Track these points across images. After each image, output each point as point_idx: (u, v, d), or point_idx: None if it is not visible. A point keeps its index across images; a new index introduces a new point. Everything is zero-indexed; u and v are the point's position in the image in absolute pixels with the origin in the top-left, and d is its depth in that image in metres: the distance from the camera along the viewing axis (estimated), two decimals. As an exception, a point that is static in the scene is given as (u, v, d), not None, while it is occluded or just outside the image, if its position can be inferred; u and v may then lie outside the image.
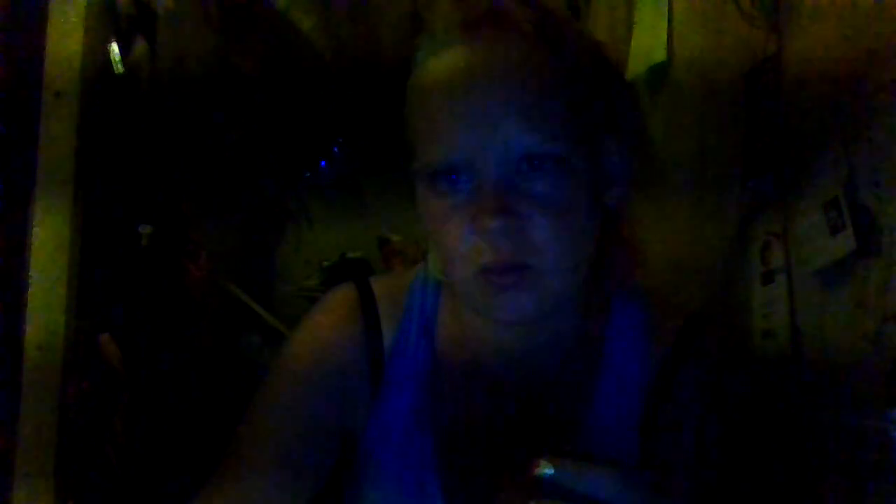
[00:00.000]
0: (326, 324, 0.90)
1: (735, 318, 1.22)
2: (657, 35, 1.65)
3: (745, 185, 1.22)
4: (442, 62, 0.75)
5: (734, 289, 1.25)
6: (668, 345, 0.85)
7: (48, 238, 1.38)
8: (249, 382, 0.91)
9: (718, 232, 1.36)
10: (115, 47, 1.54)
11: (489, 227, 0.71)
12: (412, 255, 2.58)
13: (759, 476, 1.05)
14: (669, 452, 0.81)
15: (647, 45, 1.69)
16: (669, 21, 1.64)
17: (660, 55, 1.64)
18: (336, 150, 2.82)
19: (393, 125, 0.84)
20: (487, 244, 0.72)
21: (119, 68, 1.55)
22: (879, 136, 0.86)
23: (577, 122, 0.74)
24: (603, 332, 0.86)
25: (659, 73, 1.63)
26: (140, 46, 1.64)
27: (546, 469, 0.55)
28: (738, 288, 1.22)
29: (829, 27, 1.00)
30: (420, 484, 0.84)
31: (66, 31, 1.39)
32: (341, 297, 0.91)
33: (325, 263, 2.74)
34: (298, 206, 2.84)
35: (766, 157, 1.16)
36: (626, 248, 0.87)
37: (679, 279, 1.57)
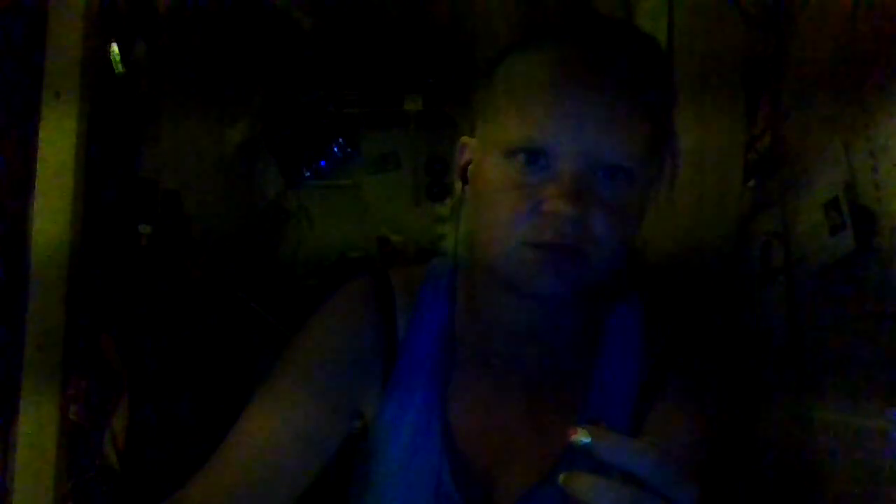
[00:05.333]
0: (342, 311, 0.91)
1: (735, 318, 1.22)
2: (657, 35, 1.65)
3: (745, 185, 1.22)
4: (559, 53, 0.79)
5: (734, 289, 1.25)
6: (661, 345, 0.88)
7: (48, 238, 1.38)
8: (248, 383, 0.91)
9: (718, 232, 1.36)
10: (115, 47, 1.54)
11: (563, 211, 0.75)
12: (412, 255, 2.59)
13: (755, 475, 1.05)
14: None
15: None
16: (669, 21, 1.64)
17: (660, 55, 1.64)
18: (336, 150, 2.82)
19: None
20: (551, 225, 0.76)
21: (119, 68, 1.55)
22: (879, 136, 0.86)
23: (651, 141, 0.79)
24: (602, 326, 0.89)
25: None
26: (140, 46, 1.64)
27: (583, 437, 0.54)
28: (738, 288, 1.22)
29: (829, 27, 1.00)
30: (430, 468, 0.86)
31: (66, 31, 1.39)
32: (358, 287, 0.93)
33: (326, 263, 2.74)
34: (298, 205, 2.84)
35: (766, 157, 1.15)
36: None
37: (680, 278, 1.57)
